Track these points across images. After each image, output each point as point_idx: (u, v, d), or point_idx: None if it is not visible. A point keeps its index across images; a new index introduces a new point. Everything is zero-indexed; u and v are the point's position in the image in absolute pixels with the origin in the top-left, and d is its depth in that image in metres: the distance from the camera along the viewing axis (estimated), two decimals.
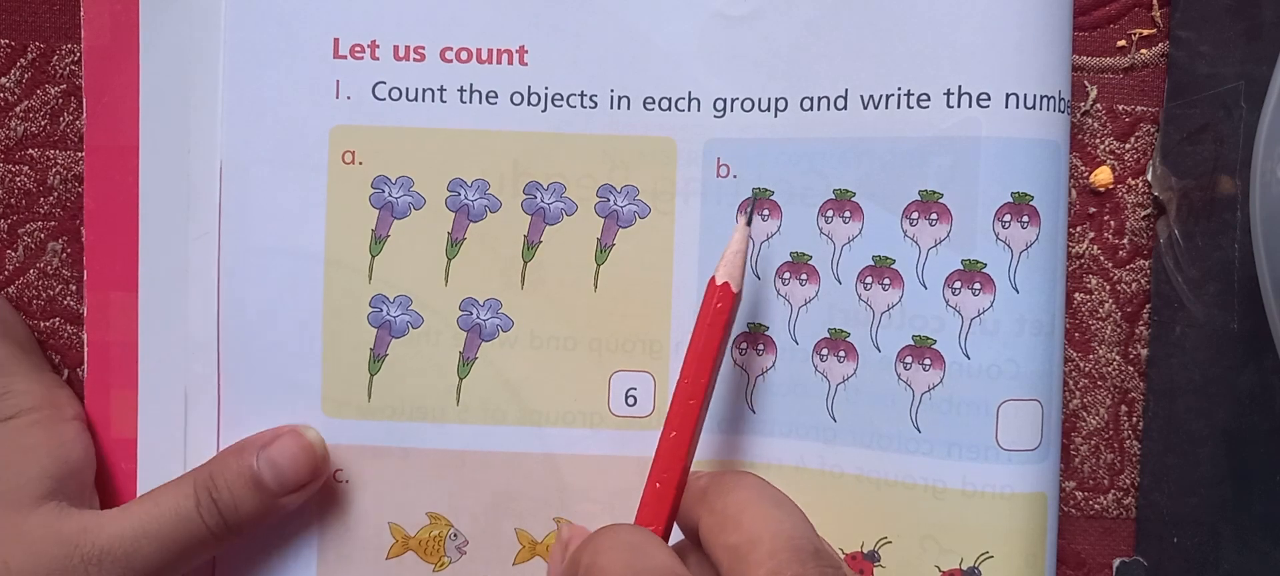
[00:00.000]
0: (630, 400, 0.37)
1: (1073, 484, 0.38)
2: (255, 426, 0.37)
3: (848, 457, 0.36)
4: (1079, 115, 0.37)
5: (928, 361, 0.36)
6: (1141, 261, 0.37)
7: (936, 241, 0.36)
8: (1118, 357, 0.38)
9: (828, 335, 0.36)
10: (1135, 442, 0.38)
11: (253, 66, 0.37)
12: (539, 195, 0.37)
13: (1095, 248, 0.37)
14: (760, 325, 0.37)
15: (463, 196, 0.37)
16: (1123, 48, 0.37)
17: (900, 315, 0.36)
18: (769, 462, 0.37)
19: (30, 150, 0.38)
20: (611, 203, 0.37)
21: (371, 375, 0.37)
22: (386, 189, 0.37)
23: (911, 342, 0.36)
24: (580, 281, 0.37)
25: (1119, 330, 0.37)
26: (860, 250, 0.36)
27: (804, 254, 0.36)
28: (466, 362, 0.37)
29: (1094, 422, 0.38)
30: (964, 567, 0.36)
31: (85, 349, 0.37)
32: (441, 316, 0.37)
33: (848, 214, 0.36)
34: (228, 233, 0.37)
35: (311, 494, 0.36)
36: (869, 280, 0.36)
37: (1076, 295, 0.38)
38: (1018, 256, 0.35)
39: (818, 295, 0.36)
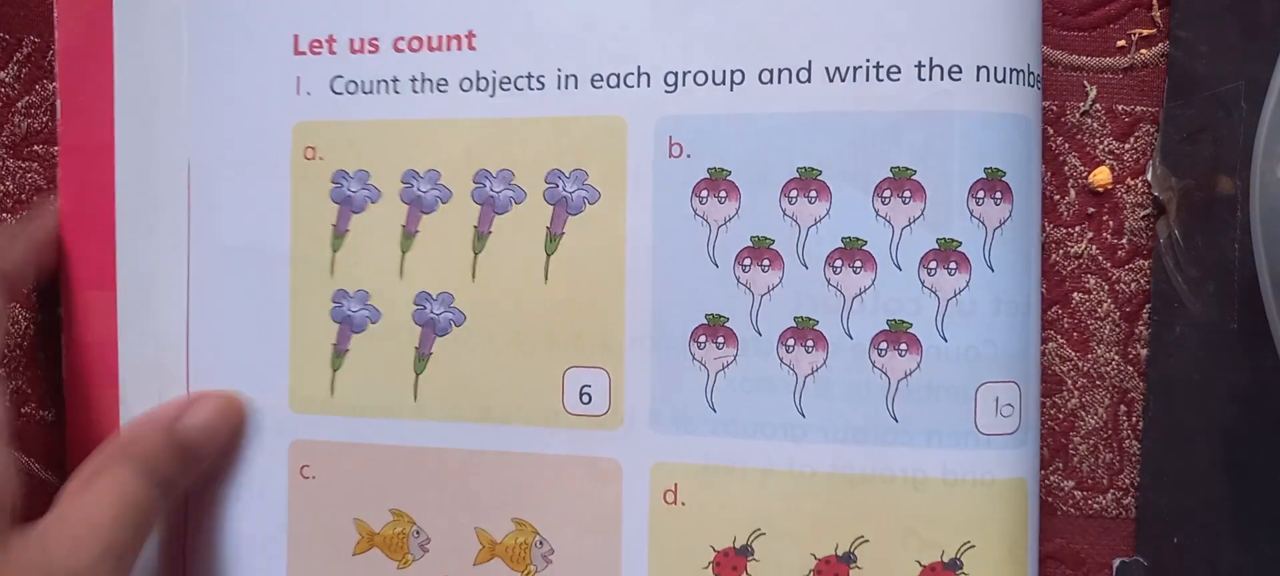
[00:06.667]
0: (585, 398, 0.35)
1: (1072, 483, 0.35)
2: None
3: (819, 455, 0.34)
4: (1079, 115, 0.35)
5: (904, 346, 0.33)
6: (1141, 261, 0.35)
7: (910, 220, 0.33)
8: (1117, 357, 0.35)
9: (794, 324, 0.34)
10: (1135, 442, 0.35)
11: (215, 66, 0.37)
12: (488, 184, 0.36)
13: (1094, 248, 0.35)
14: (719, 317, 0.34)
15: (415, 188, 0.36)
16: (1122, 48, 0.35)
17: (873, 299, 0.33)
18: (732, 465, 0.34)
19: (35, 146, 0.40)
20: (560, 188, 0.35)
21: (334, 371, 0.37)
22: (345, 183, 0.37)
23: (886, 327, 0.33)
24: (530, 273, 0.35)
25: (1118, 330, 0.35)
26: (828, 232, 0.34)
27: (766, 238, 0.34)
28: (422, 358, 0.36)
29: (1093, 422, 0.35)
30: (945, 560, 0.33)
31: (63, 348, 0.38)
32: (397, 311, 0.36)
33: (814, 193, 0.34)
34: (196, 232, 0.37)
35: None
36: (839, 263, 0.33)
37: (1075, 295, 0.35)
38: (992, 234, 0.32)
39: (782, 282, 0.34)
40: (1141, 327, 0.35)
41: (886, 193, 0.33)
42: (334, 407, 0.37)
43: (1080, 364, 0.35)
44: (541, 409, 0.35)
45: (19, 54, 0.40)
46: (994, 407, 0.32)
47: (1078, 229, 0.35)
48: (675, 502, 0.35)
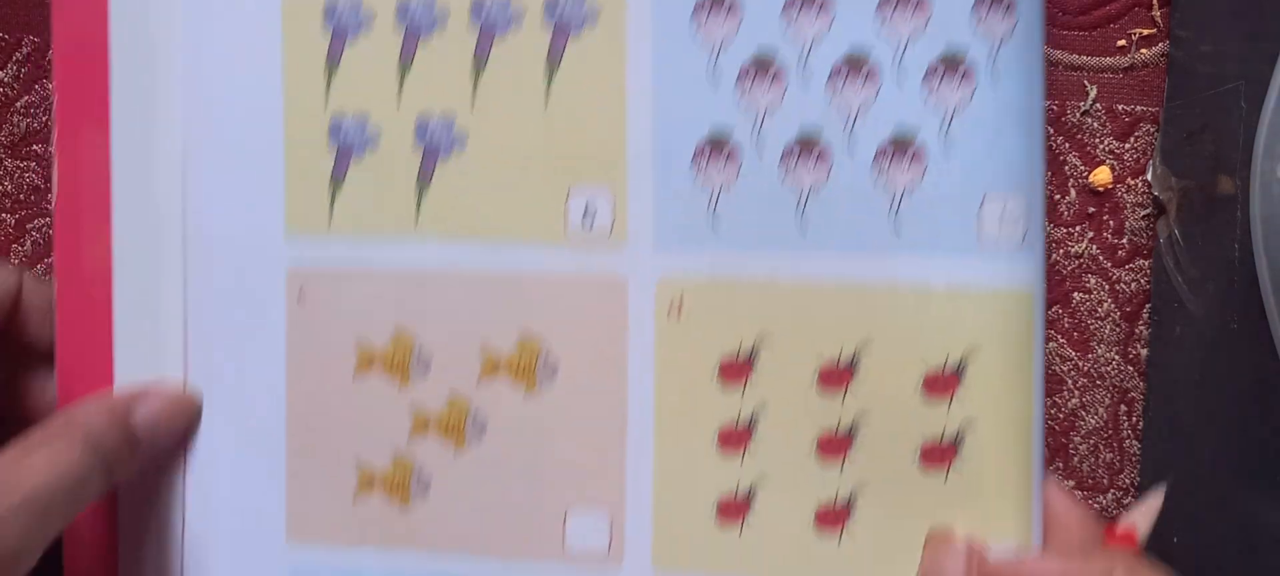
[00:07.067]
0: (589, 217, 0.35)
1: (1072, 483, 0.36)
2: (219, 260, 0.37)
3: (823, 263, 0.34)
4: (1079, 115, 0.35)
5: (907, 159, 0.33)
6: (1141, 261, 0.36)
7: (914, 32, 0.33)
8: (1117, 357, 0.36)
9: (796, 140, 0.34)
10: (1135, 442, 0.36)
11: None
12: (486, 6, 0.35)
13: (1095, 247, 0.36)
14: (722, 134, 0.34)
15: (410, 12, 0.35)
16: (1123, 48, 0.36)
17: (877, 112, 0.33)
18: (738, 277, 0.35)
19: (34, 146, 0.39)
20: (559, 9, 0.35)
21: (332, 196, 0.36)
22: (336, 11, 0.36)
23: (889, 140, 0.33)
24: (532, 94, 0.35)
25: (1118, 329, 0.36)
26: (831, 46, 0.34)
27: (767, 54, 0.34)
28: (423, 181, 0.36)
29: (1093, 422, 0.36)
30: (948, 367, 0.34)
31: (55, 184, 0.37)
32: (397, 135, 0.36)
33: (817, 7, 0.33)
34: (187, 66, 0.37)
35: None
36: (842, 77, 0.33)
37: (1075, 295, 0.36)
38: (997, 46, 0.32)
39: (784, 98, 0.34)
40: (1141, 327, 0.36)
41: (890, 5, 0.33)
42: (332, 233, 0.37)
43: (1080, 364, 0.36)
44: (546, 228, 0.35)
45: (18, 54, 0.39)
46: (998, 219, 0.33)
47: (1078, 229, 0.36)
48: (680, 316, 0.35)
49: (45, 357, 0.39)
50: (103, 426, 0.35)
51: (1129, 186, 0.36)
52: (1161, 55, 0.35)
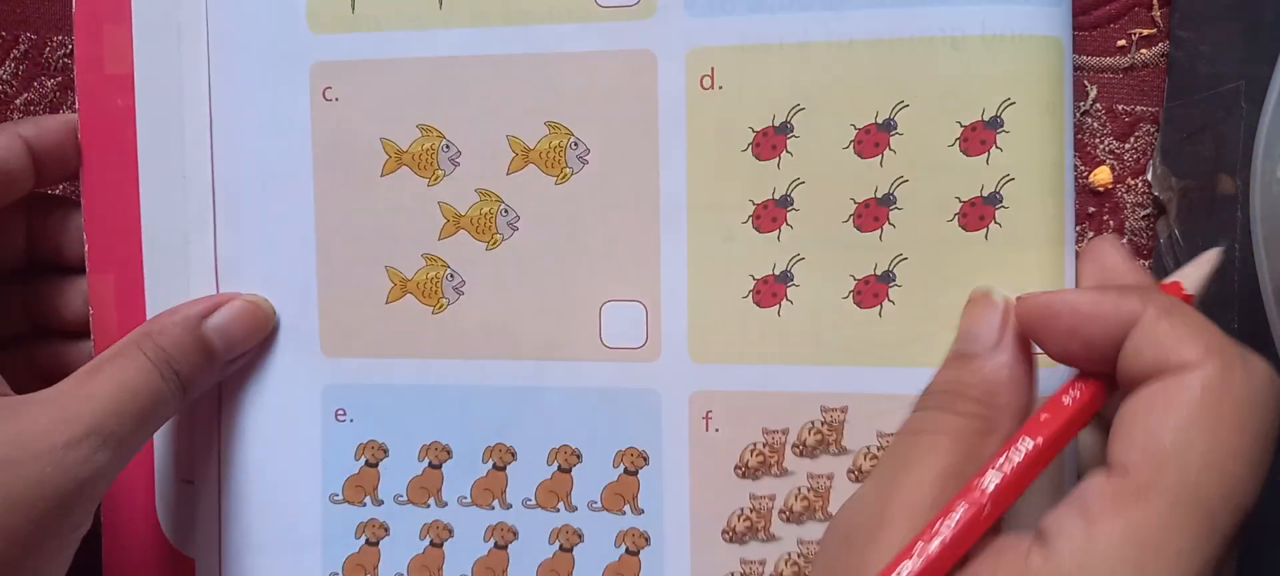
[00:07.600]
0: None
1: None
2: (244, 60, 0.36)
3: (858, 22, 0.34)
4: (1079, 115, 0.36)
5: None
6: (1141, 261, 0.36)
7: None
8: None
9: None
10: None
11: None
12: None
13: None
14: None
15: None
16: (1123, 48, 0.36)
17: None
18: (770, 43, 0.34)
19: None
20: None
21: None
22: None
23: None
24: None
25: None
26: None
27: None
28: None
29: None
30: (986, 118, 0.33)
31: None
32: None
33: None
34: None
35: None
36: None
37: None
38: None
39: None
40: None
41: None
42: (355, 24, 0.36)
43: None
44: (572, 6, 0.35)
45: (15, 51, 0.39)
46: None
47: (1079, 229, 0.36)
48: (712, 87, 0.34)
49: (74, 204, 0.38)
50: (176, 339, 0.34)
51: (1129, 186, 0.36)
52: (1161, 55, 0.36)
